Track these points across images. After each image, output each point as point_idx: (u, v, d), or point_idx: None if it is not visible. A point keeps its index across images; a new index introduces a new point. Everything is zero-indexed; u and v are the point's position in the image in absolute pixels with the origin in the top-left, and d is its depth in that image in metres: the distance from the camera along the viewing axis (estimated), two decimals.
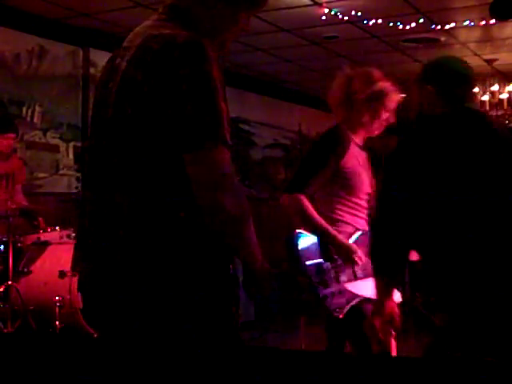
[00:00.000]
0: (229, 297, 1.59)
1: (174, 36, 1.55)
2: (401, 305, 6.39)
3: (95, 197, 1.64)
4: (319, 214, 2.84)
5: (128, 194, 1.56)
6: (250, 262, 1.60)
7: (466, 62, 2.46)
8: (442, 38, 6.92)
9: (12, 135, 5.32)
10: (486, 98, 6.52)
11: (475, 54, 7.56)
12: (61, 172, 6.56)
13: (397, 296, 2.66)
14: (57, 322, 4.62)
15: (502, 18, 5.56)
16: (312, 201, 2.88)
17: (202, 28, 1.68)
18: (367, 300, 2.76)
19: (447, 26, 6.41)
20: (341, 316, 2.73)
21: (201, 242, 1.55)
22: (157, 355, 1.50)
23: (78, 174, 6.65)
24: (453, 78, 2.35)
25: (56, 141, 6.53)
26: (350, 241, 2.88)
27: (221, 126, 1.51)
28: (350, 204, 2.99)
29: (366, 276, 2.80)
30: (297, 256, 2.80)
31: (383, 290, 2.23)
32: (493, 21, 6.04)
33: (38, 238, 5.15)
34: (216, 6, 1.69)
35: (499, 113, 6.49)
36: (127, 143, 1.57)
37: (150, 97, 1.53)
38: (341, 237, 2.83)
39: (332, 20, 6.21)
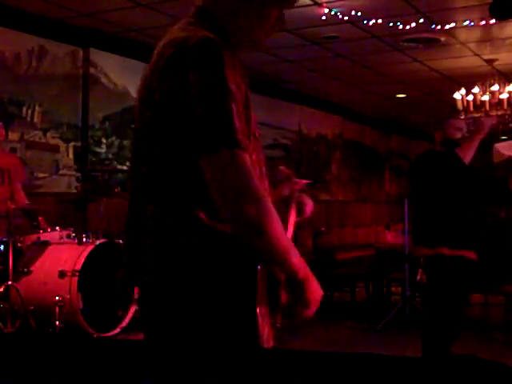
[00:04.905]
0: (253, 301, 1.54)
1: (186, 39, 1.52)
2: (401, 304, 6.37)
3: (129, 205, 1.66)
4: None
5: (154, 203, 1.56)
6: (286, 270, 1.54)
7: None
8: (442, 38, 6.92)
9: None
10: (486, 97, 6.50)
11: (475, 54, 7.56)
12: (61, 172, 6.56)
13: None
14: (57, 322, 4.63)
15: (501, 17, 5.56)
16: None
17: (229, 29, 1.66)
18: None
19: (447, 26, 6.41)
20: None
21: (227, 248, 1.52)
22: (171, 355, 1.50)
23: (78, 174, 6.65)
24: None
25: (56, 141, 6.53)
26: None
27: (232, 129, 1.46)
28: None
29: None
30: None
31: None
32: (493, 21, 6.04)
33: (38, 238, 5.16)
34: (242, 5, 1.66)
35: (499, 113, 6.47)
36: (151, 151, 1.57)
37: (163, 102, 1.52)
38: None
39: (332, 20, 6.21)
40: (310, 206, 2.02)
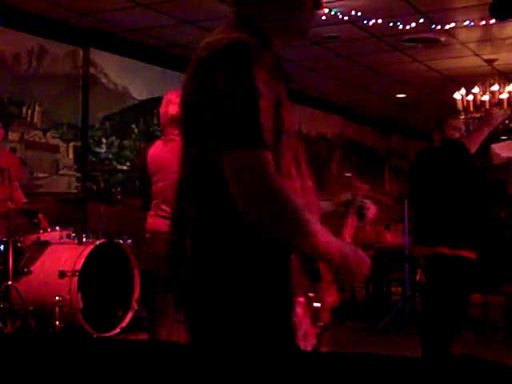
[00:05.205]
0: (287, 299, 1.56)
1: (218, 41, 1.55)
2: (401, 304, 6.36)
3: (174, 204, 1.70)
4: None
5: (195, 203, 1.59)
6: (321, 258, 1.56)
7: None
8: (442, 38, 6.92)
9: None
10: (486, 98, 6.49)
11: (475, 54, 7.56)
12: (61, 172, 6.56)
13: None
14: (57, 322, 4.62)
15: (501, 18, 5.56)
16: None
17: (269, 27, 1.68)
18: None
19: (447, 26, 6.41)
20: None
21: (260, 246, 1.54)
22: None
23: (78, 174, 6.65)
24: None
25: (56, 141, 6.53)
26: None
27: (253, 127, 1.46)
28: None
29: None
30: None
31: None
32: (493, 21, 6.04)
33: (38, 238, 5.15)
34: (275, 4, 1.68)
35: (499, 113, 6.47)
36: (191, 152, 1.61)
37: (193, 102, 1.55)
38: None
39: (332, 20, 6.21)
40: (372, 210, 2.05)
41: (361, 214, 2.02)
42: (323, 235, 1.53)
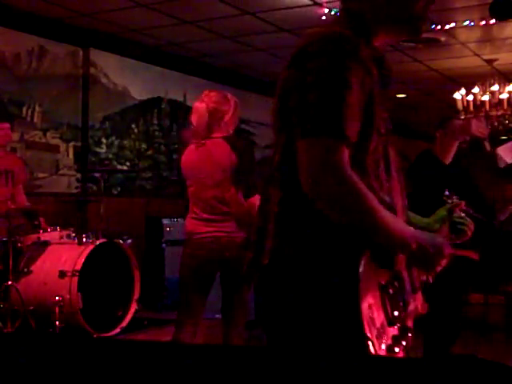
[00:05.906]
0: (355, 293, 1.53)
1: (314, 35, 1.58)
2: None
3: (261, 190, 1.74)
4: None
5: (280, 188, 1.62)
6: (396, 245, 1.56)
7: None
8: (442, 38, 6.92)
9: (6, 125, 5.29)
10: (486, 97, 6.50)
11: (475, 54, 7.56)
12: (61, 172, 6.56)
13: None
14: (57, 322, 4.63)
15: (501, 17, 5.56)
16: None
17: (375, 24, 1.67)
18: None
19: (447, 26, 6.41)
20: None
21: (338, 239, 1.53)
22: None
23: (78, 175, 6.65)
24: None
25: (56, 141, 6.53)
26: None
27: (333, 118, 1.45)
28: None
29: None
30: None
31: None
32: (493, 21, 6.04)
33: (38, 238, 5.16)
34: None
35: (499, 113, 6.47)
36: (280, 140, 1.62)
37: (284, 90, 1.58)
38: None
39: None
40: (470, 227, 2.04)
41: (458, 229, 2.01)
42: (396, 224, 1.55)
